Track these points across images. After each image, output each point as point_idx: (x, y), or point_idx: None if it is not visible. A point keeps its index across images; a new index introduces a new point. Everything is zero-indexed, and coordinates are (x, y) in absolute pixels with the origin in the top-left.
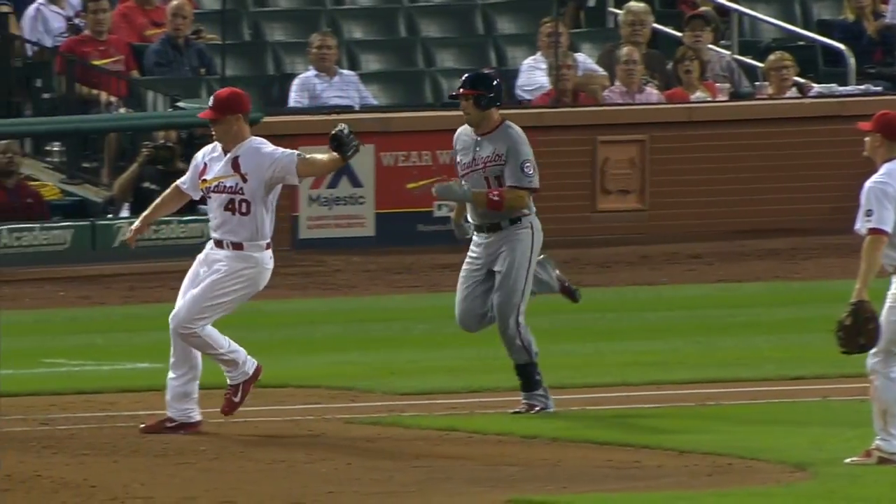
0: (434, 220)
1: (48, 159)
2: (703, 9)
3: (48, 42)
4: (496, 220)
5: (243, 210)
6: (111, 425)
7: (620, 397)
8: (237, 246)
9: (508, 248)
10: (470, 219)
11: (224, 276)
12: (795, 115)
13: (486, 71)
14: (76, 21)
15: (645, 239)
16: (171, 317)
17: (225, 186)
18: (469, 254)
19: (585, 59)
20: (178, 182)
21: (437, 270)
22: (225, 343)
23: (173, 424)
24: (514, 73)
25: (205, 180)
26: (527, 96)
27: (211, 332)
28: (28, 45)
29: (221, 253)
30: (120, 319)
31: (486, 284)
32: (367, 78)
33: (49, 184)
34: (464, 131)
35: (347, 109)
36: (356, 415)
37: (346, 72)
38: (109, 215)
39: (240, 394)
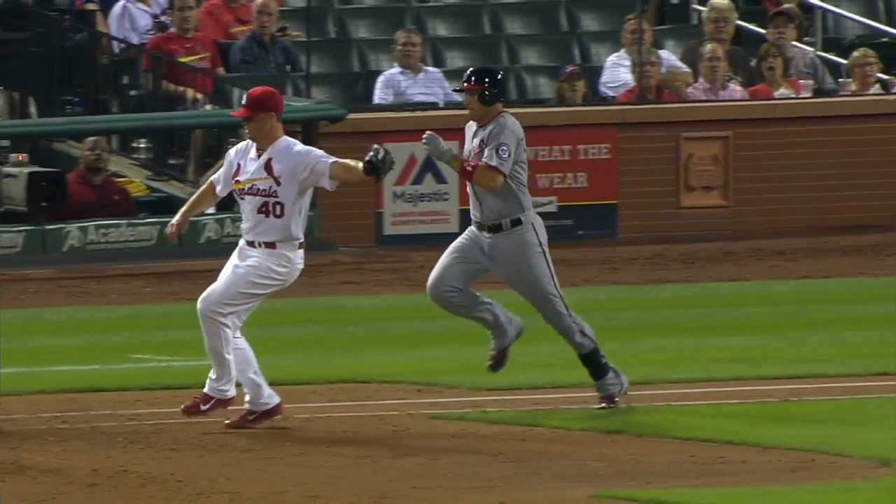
0: None
1: (135, 156)
2: (786, 6)
3: (135, 39)
4: (497, 220)
5: (277, 212)
6: (197, 420)
7: (704, 393)
8: (269, 245)
9: (517, 257)
10: (472, 216)
11: (258, 271)
12: (879, 111)
13: (487, 67)
14: (162, 19)
15: (729, 235)
16: (200, 299)
17: (258, 189)
18: (465, 235)
19: (669, 56)
20: (212, 178)
21: None
22: (230, 352)
23: (253, 416)
24: (598, 70)
25: (238, 181)
26: (610, 93)
27: (229, 332)
28: (115, 43)
29: (255, 250)
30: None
31: (470, 267)
32: (451, 75)
33: (136, 180)
34: (470, 125)
35: (432, 106)
36: (441, 410)
37: (430, 69)
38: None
39: (208, 407)
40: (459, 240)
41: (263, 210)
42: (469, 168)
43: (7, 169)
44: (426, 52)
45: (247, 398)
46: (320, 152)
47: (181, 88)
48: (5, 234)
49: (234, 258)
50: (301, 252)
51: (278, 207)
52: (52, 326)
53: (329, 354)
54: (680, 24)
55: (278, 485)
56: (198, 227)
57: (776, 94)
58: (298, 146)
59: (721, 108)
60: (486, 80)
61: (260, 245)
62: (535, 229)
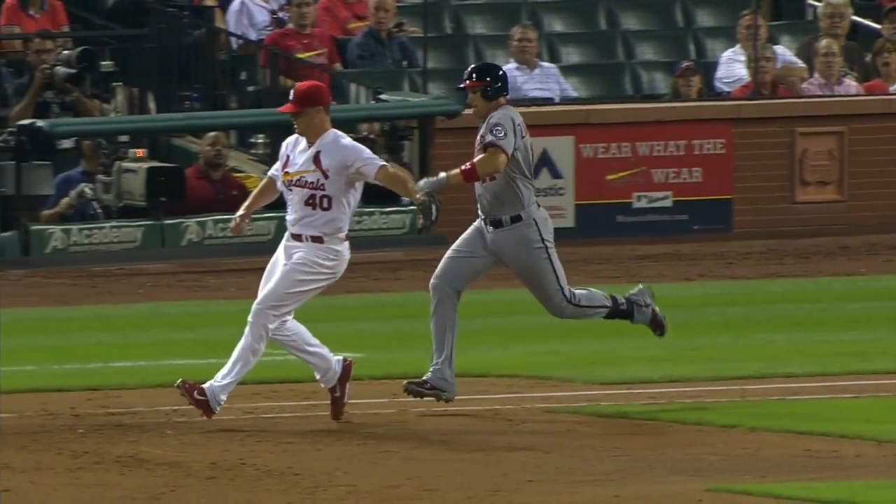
0: (634, 212)
1: (252, 151)
2: None
3: (253, 35)
4: (497, 215)
5: (324, 205)
6: (314, 413)
7: (819, 387)
8: (316, 239)
9: (518, 252)
10: (478, 209)
11: (305, 267)
12: None
13: (488, 63)
14: (280, 15)
15: (844, 230)
16: (255, 303)
17: (306, 181)
18: (472, 227)
19: (784, 52)
20: (270, 173)
21: (636, 261)
22: (244, 372)
23: (338, 392)
24: (714, 66)
25: (287, 173)
26: (726, 88)
27: (266, 337)
28: (233, 39)
29: (301, 245)
30: (321, 310)
31: (476, 262)
32: (567, 70)
33: (253, 175)
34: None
35: (547, 102)
36: (556, 404)
37: (546, 64)
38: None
39: (196, 400)
40: (467, 231)
41: (311, 202)
42: (468, 166)
43: (126, 164)
44: (542, 48)
45: (318, 377)
46: (369, 153)
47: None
48: (124, 229)
49: (279, 256)
50: (347, 244)
51: (325, 200)
52: (170, 320)
53: None
54: (795, 20)
55: (394, 478)
56: None
57: (891, 89)
58: (346, 140)
59: (836, 104)
60: (487, 76)
61: (307, 239)
62: (536, 225)
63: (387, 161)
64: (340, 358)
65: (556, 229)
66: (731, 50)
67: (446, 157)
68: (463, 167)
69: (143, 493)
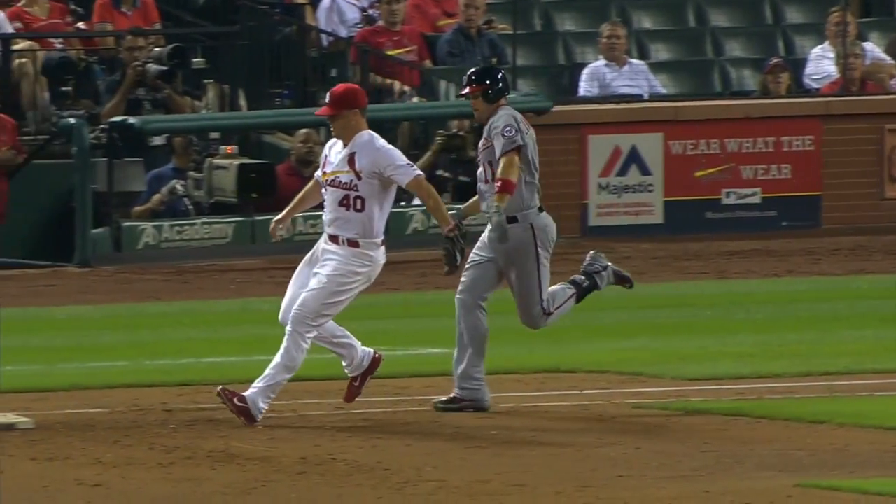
0: (722, 208)
1: None
2: None
3: (343, 32)
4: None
5: (358, 206)
6: (404, 409)
7: None
8: (353, 243)
9: (510, 253)
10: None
11: (341, 275)
12: None
13: (485, 66)
14: (371, 12)
15: None
16: (292, 312)
17: (340, 182)
18: (481, 239)
19: (873, 48)
20: (316, 175)
21: (725, 257)
22: (285, 381)
23: (358, 380)
24: (802, 63)
25: (325, 173)
26: (814, 85)
27: (307, 346)
28: (323, 36)
29: (337, 249)
30: (412, 305)
31: (491, 269)
32: (656, 67)
33: None
34: None
35: (636, 98)
36: (645, 400)
37: (635, 61)
38: (402, 203)
39: (236, 407)
40: (482, 237)
41: (344, 203)
42: (499, 184)
43: (217, 161)
44: (631, 45)
45: (344, 364)
46: (403, 160)
47: (389, 81)
48: (215, 225)
49: (315, 260)
50: (383, 249)
51: (359, 201)
52: (261, 316)
53: (533, 344)
54: (884, 17)
55: (483, 473)
56: (404, 219)
57: None
58: (380, 142)
59: None
60: (487, 79)
61: (343, 242)
62: (533, 231)
63: (476, 157)
64: (371, 351)
65: (644, 226)
66: (819, 47)
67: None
68: (497, 188)
69: (234, 488)
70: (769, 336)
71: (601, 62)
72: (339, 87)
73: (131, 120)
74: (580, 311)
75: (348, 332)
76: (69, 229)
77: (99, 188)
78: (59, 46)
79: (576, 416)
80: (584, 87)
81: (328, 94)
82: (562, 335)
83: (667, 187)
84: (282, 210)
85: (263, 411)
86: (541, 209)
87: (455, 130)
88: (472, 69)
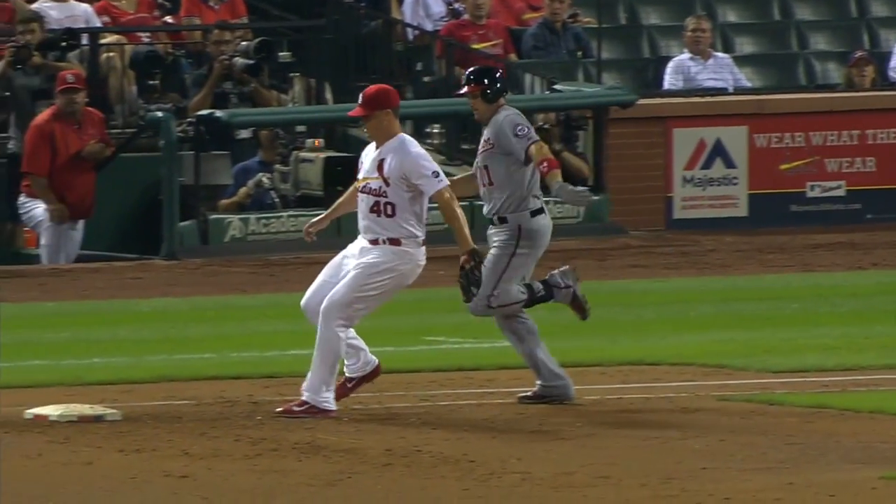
0: (807, 201)
1: (428, 141)
2: None
3: (428, 26)
4: (491, 214)
5: (388, 212)
6: (489, 401)
7: None
8: (394, 241)
9: (492, 244)
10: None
11: (378, 271)
12: None
13: (483, 66)
14: (456, 6)
15: None
16: (323, 305)
17: (370, 188)
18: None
19: None
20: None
21: (810, 250)
22: (336, 369)
23: (352, 382)
24: (887, 56)
25: (358, 179)
26: None
27: (343, 335)
28: (409, 30)
29: (377, 247)
30: None
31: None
32: (740, 61)
33: None
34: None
35: (721, 92)
36: (729, 392)
37: (720, 54)
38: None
39: (303, 409)
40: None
41: (375, 209)
42: (546, 164)
43: (303, 154)
44: (716, 38)
45: (346, 362)
46: (432, 170)
47: None
48: (301, 218)
49: (351, 252)
50: (423, 249)
51: (389, 207)
52: None
53: (617, 336)
54: None
55: (568, 465)
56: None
57: None
58: (411, 147)
59: None
60: (485, 79)
61: (385, 242)
62: (519, 230)
63: (562, 150)
64: (376, 360)
65: (729, 219)
66: None
67: (620, 146)
68: (546, 169)
69: (320, 480)
70: (854, 329)
71: (686, 55)
72: (371, 87)
73: (218, 113)
74: (665, 304)
75: (359, 337)
76: (156, 222)
77: (186, 181)
78: (146, 40)
79: (660, 409)
80: (669, 80)
81: (360, 95)
82: (646, 328)
83: (751, 180)
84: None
85: (330, 399)
86: (538, 212)
87: (540, 123)
88: (471, 69)
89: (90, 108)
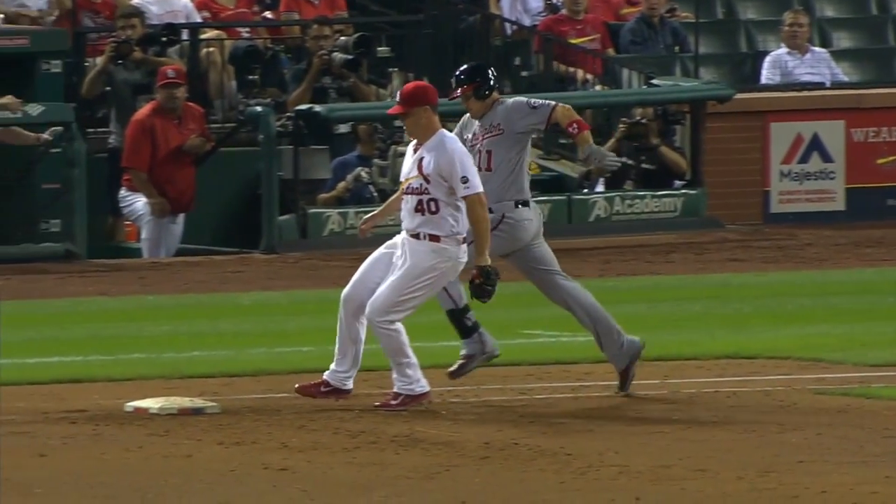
0: None
1: None
2: None
3: (526, 21)
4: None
5: (432, 209)
6: (586, 394)
7: None
8: (434, 238)
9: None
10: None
11: (420, 271)
12: None
13: (469, 64)
14: (554, 1)
15: None
16: (367, 308)
17: (413, 188)
18: None
19: None
20: None
21: None
22: (410, 355)
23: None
24: None
25: (402, 180)
26: None
27: (402, 331)
28: (507, 25)
29: (418, 244)
30: (595, 291)
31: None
32: (838, 55)
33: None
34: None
35: (818, 86)
36: (826, 386)
37: (817, 49)
38: (585, 190)
39: (399, 402)
40: None
41: (419, 209)
42: (575, 126)
43: (402, 148)
44: (813, 33)
45: (335, 365)
46: (468, 172)
47: (572, 69)
48: (399, 213)
49: (387, 249)
50: (465, 247)
51: (432, 204)
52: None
53: (714, 330)
54: None
55: (665, 458)
56: (587, 206)
57: None
58: (452, 145)
59: None
60: (477, 77)
61: (425, 237)
62: (501, 218)
63: (659, 144)
64: (351, 386)
65: (826, 213)
66: None
67: (717, 140)
68: (577, 131)
69: (418, 473)
70: None
71: (783, 50)
72: (410, 84)
73: (317, 108)
74: (762, 298)
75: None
76: (256, 216)
77: (285, 175)
78: (245, 35)
79: (757, 402)
80: (766, 74)
81: (398, 93)
82: (743, 322)
83: (848, 174)
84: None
85: (420, 381)
86: (522, 203)
87: (638, 118)
88: (460, 70)
89: (190, 103)
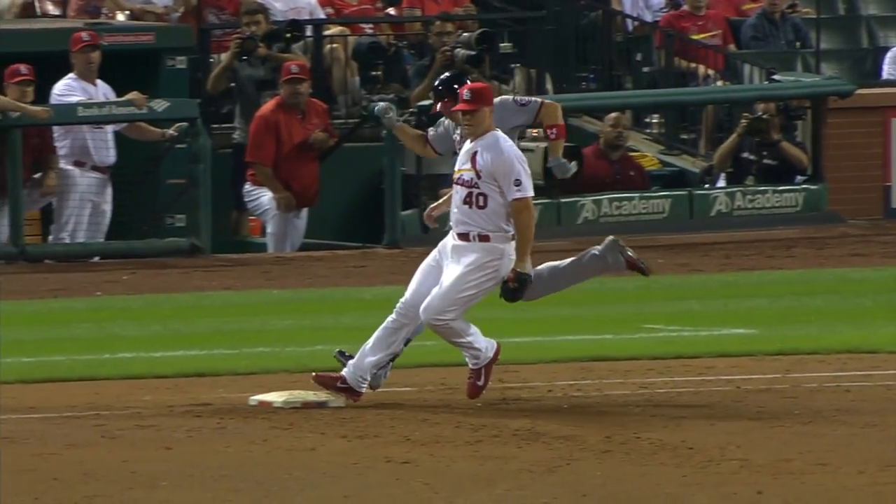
0: None
1: (647, 131)
2: None
3: (648, 17)
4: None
5: (480, 203)
6: (708, 389)
7: None
8: (483, 237)
9: None
10: None
11: (472, 270)
12: None
13: (446, 75)
14: None
15: None
16: (422, 309)
17: (464, 180)
18: None
19: None
20: None
21: None
22: (469, 329)
23: (345, 385)
24: None
25: (455, 171)
26: None
27: (460, 323)
28: (629, 21)
29: (468, 245)
30: (717, 286)
31: None
32: None
33: (648, 154)
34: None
35: None
36: None
37: None
38: (706, 185)
39: (483, 377)
40: None
41: (468, 201)
42: (555, 131)
43: (524, 143)
44: None
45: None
46: (520, 176)
47: (693, 65)
48: None
49: (444, 254)
50: (512, 244)
51: (481, 198)
52: (566, 297)
53: (835, 324)
54: None
55: (786, 452)
56: (707, 201)
57: None
58: (506, 145)
59: None
60: (452, 91)
61: (474, 238)
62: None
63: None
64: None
65: None
66: None
67: (838, 136)
68: (553, 136)
69: (540, 466)
70: None
71: None
72: (476, 83)
73: None
74: (883, 293)
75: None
76: (379, 211)
77: (408, 171)
78: (369, 31)
79: (878, 397)
80: (888, 70)
81: (467, 91)
82: (864, 316)
83: None
84: (597, 191)
85: (487, 347)
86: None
87: (760, 113)
88: (437, 83)
89: (314, 99)
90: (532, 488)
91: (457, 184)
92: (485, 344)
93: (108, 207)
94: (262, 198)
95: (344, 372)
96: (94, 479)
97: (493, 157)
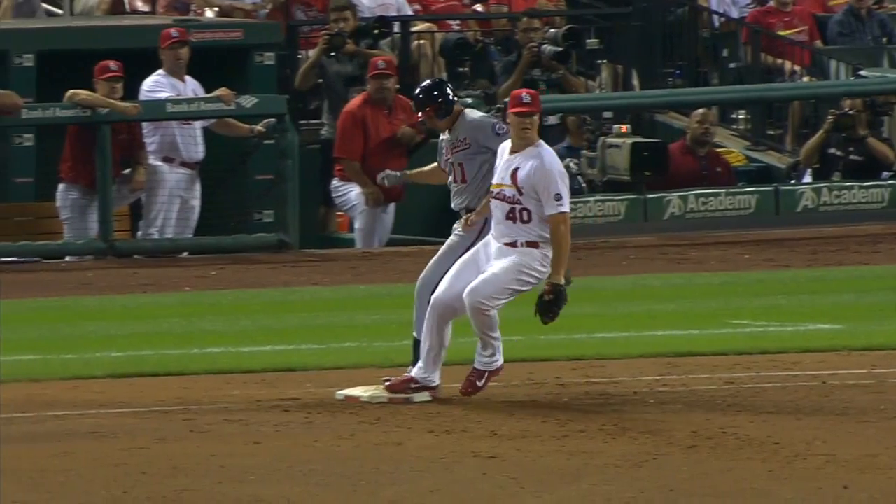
0: None
1: (734, 127)
2: None
3: (734, 13)
4: (460, 207)
5: (524, 218)
6: (794, 384)
7: None
8: (532, 244)
9: (457, 234)
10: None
11: (523, 266)
12: None
13: (424, 84)
14: None
15: None
16: (466, 292)
17: (505, 195)
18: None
19: None
20: None
21: None
22: (497, 329)
23: (417, 385)
24: None
25: (492, 184)
26: None
27: (496, 317)
28: (715, 17)
29: (516, 249)
30: (803, 282)
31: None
32: None
33: (734, 150)
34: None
35: None
36: None
37: None
38: (792, 181)
39: (484, 381)
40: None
41: (511, 216)
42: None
43: (610, 139)
44: None
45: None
46: (559, 191)
47: (779, 61)
48: (608, 203)
49: (488, 257)
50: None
51: (525, 213)
52: (653, 292)
53: None
54: None
55: (873, 447)
56: (794, 196)
57: None
58: (548, 159)
59: None
60: (438, 98)
61: (522, 245)
62: (485, 224)
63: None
64: (501, 360)
65: None
66: None
67: None
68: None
69: (627, 461)
70: None
71: None
72: (530, 90)
73: None
74: None
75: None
76: None
77: None
78: (456, 28)
79: None
80: None
81: (525, 94)
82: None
83: None
84: (684, 187)
85: (499, 358)
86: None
87: (846, 109)
88: (416, 93)
89: (400, 95)
90: (618, 483)
91: (496, 198)
92: (499, 354)
93: (196, 203)
94: (350, 193)
95: (412, 373)
96: (182, 473)
97: (536, 167)
